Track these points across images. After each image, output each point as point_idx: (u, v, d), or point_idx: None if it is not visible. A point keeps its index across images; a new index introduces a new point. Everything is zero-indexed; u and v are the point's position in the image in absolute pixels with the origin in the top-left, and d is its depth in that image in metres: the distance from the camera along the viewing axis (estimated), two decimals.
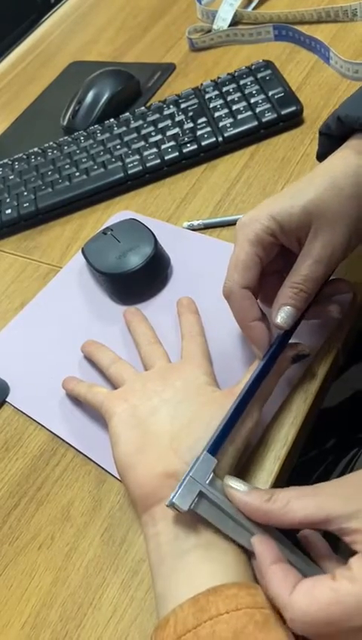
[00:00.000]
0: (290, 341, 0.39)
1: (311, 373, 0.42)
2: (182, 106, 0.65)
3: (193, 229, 0.55)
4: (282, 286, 0.38)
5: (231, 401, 0.37)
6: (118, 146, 0.64)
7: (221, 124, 0.60)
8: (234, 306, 0.39)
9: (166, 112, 0.65)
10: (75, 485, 0.42)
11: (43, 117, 0.79)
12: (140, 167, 0.61)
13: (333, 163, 0.38)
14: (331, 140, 0.42)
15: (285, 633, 0.28)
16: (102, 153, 0.64)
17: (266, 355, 0.38)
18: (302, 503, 0.30)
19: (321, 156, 0.43)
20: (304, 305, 0.38)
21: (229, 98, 0.63)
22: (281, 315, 0.38)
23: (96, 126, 0.67)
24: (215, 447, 0.34)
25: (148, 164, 0.61)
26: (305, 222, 0.36)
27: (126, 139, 0.64)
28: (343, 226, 0.36)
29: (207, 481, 0.33)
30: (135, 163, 0.61)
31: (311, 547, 0.33)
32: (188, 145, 0.60)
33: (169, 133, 0.62)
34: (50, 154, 0.67)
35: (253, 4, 0.76)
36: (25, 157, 0.68)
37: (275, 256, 0.39)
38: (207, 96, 0.64)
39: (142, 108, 0.67)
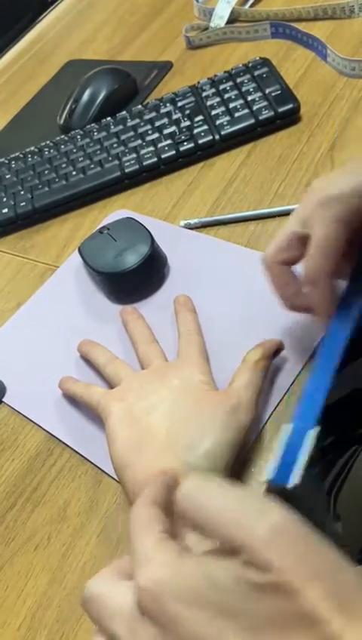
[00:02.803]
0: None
1: (309, 371, 0.42)
2: (179, 104, 0.64)
3: (190, 227, 0.54)
4: None
5: (228, 400, 0.37)
6: (115, 145, 0.63)
7: (218, 122, 0.60)
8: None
9: (163, 111, 0.64)
10: (72, 485, 0.42)
11: (39, 116, 0.78)
12: (137, 166, 0.60)
13: None
14: None
15: None
16: (98, 152, 0.63)
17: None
18: None
19: None
20: None
21: (226, 96, 0.62)
22: None
23: (92, 125, 0.67)
24: (309, 415, 0.32)
25: (144, 163, 0.60)
26: None
27: (123, 137, 0.64)
28: None
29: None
30: (132, 162, 0.61)
31: None
32: (185, 143, 0.60)
33: (166, 131, 0.62)
34: (46, 153, 0.66)
35: (250, 2, 0.76)
36: (21, 156, 0.68)
37: None
38: (203, 94, 0.64)
39: (139, 106, 0.67)
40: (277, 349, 0.42)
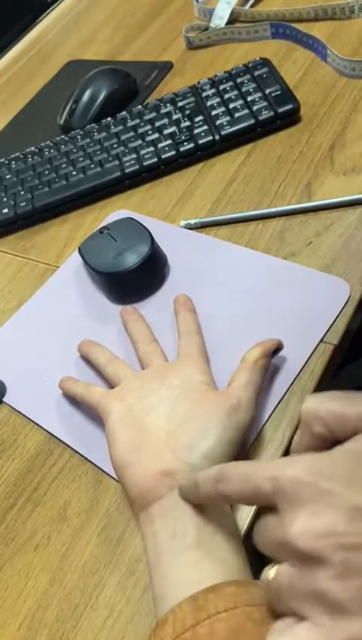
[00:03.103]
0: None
1: (308, 372, 0.42)
2: (179, 104, 0.64)
3: (190, 227, 0.54)
4: None
5: (228, 400, 0.37)
6: (115, 145, 0.63)
7: (218, 122, 0.60)
8: None
9: (163, 111, 0.64)
10: (72, 485, 0.42)
11: (40, 116, 0.78)
12: (137, 166, 0.60)
13: None
14: None
15: None
16: (99, 152, 0.63)
17: None
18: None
19: None
20: None
21: (226, 96, 0.62)
22: None
23: (93, 125, 0.67)
24: None
25: (145, 163, 0.60)
26: None
27: (123, 137, 0.64)
28: None
29: None
30: (132, 162, 0.61)
31: None
32: (185, 143, 0.60)
33: (166, 131, 0.62)
34: (47, 153, 0.67)
35: (250, 2, 0.76)
36: (22, 156, 0.68)
37: None
38: (204, 94, 0.64)
39: (139, 106, 0.67)
40: (276, 349, 0.42)
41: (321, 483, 0.25)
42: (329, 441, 0.30)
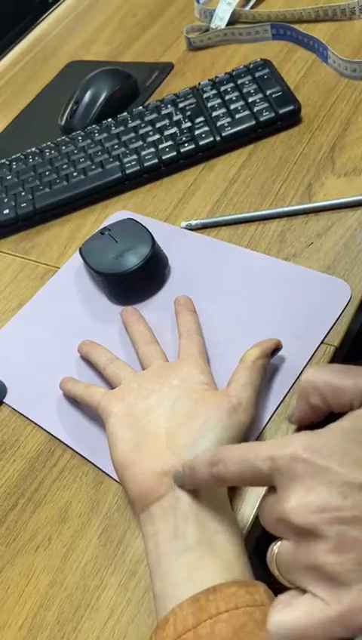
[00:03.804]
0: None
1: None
2: (180, 105, 0.64)
3: (191, 228, 0.55)
4: None
5: (228, 400, 0.37)
6: (116, 146, 0.63)
7: (219, 123, 0.60)
8: None
9: (164, 112, 0.64)
10: (73, 486, 0.42)
11: (40, 117, 0.78)
12: (138, 167, 0.60)
13: None
14: None
15: None
16: (99, 153, 0.64)
17: None
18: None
19: None
20: None
21: (227, 97, 0.62)
22: None
23: (93, 126, 0.67)
24: None
25: (145, 164, 0.60)
26: None
27: (124, 138, 0.64)
28: None
29: None
30: (133, 163, 0.61)
31: None
32: (186, 144, 0.60)
33: (167, 132, 0.62)
34: (47, 154, 0.67)
35: (251, 3, 0.76)
36: (22, 157, 0.68)
37: None
38: (204, 95, 0.64)
39: (140, 107, 0.67)
40: (276, 348, 0.42)
41: (317, 460, 0.26)
42: (324, 412, 0.32)
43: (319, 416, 0.32)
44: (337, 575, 0.24)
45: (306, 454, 0.26)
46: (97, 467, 0.42)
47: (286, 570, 0.26)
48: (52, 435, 0.45)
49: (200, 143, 0.60)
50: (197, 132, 0.61)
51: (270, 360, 0.41)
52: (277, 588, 0.28)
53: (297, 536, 0.26)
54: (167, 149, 0.61)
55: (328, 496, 0.25)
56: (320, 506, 0.25)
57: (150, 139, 0.62)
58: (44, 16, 0.98)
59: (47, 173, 0.64)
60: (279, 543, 0.27)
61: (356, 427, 0.27)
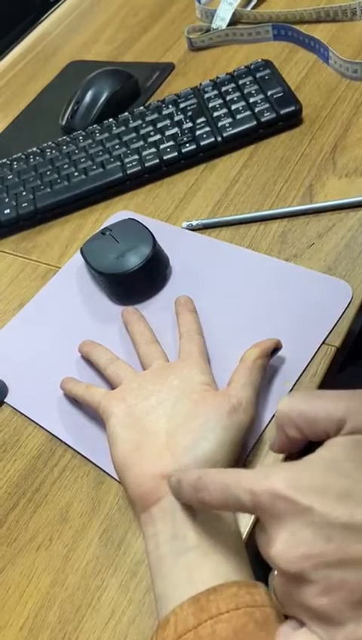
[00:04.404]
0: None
1: (310, 374, 0.42)
2: (181, 105, 0.64)
3: (192, 229, 0.55)
4: None
5: (228, 400, 0.37)
6: (117, 146, 0.63)
7: (220, 123, 0.60)
8: None
9: (165, 112, 0.64)
10: (74, 486, 0.42)
11: (41, 117, 0.78)
12: (139, 167, 0.60)
13: None
14: None
15: None
16: (100, 153, 0.64)
17: None
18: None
19: None
20: None
21: (228, 98, 0.62)
22: None
23: (94, 126, 0.67)
24: None
25: (146, 164, 0.60)
26: None
27: (125, 139, 0.64)
28: None
29: None
30: (134, 163, 0.61)
31: None
32: (187, 145, 0.60)
33: (168, 133, 0.62)
34: (48, 154, 0.67)
35: (252, 4, 0.76)
36: (23, 157, 0.68)
37: None
38: (205, 95, 0.64)
39: (141, 108, 0.67)
40: (275, 348, 0.42)
41: (299, 499, 0.25)
42: (302, 442, 0.32)
43: (298, 446, 0.33)
44: (328, 615, 0.25)
45: (286, 491, 0.26)
46: (98, 467, 0.42)
47: (284, 604, 0.27)
48: (53, 435, 0.45)
49: (202, 143, 0.60)
50: (198, 132, 0.61)
51: (270, 360, 0.42)
52: None
53: (286, 579, 0.26)
54: (168, 150, 0.61)
55: (312, 542, 0.25)
56: (304, 553, 0.25)
57: (151, 139, 0.62)
58: (46, 15, 0.98)
59: (48, 173, 0.64)
60: (276, 574, 0.27)
61: (334, 457, 0.28)
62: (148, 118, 0.65)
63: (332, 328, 0.44)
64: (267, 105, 0.60)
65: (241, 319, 0.46)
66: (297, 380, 0.42)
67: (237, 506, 0.28)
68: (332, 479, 0.26)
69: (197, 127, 0.61)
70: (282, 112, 0.59)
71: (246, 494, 0.27)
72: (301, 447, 0.33)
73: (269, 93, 0.61)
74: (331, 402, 0.30)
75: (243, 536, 0.36)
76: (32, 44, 0.95)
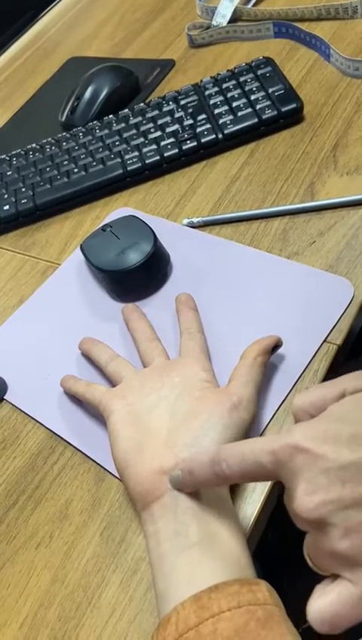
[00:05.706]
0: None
1: (311, 372, 0.42)
2: (182, 102, 0.64)
3: (193, 226, 0.54)
4: None
5: (229, 398, 0.37)
6: (117, 143, 0.63)
7: (221, 121, 0.60)
8: None
9: (165, 109, 0.64)
10: (74, 483, 0.42)
11: (41, 113, 0.78)
12: (139, 164, 0.60)
13: None
14: None
15: (288, 629, 0.28)
16: (101, 149, 0.63)
17: None
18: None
19: None
20: None
21: (229, 95, 0.62)
22: None
23: (94, 122, 0.67)
24: None
25: (147, 161, 0.60)
26: None
27: (125, 135, 0.64)
28: None
29: None
30: (134, 159, 0.61)
31: None
32: (188, 142, 0.60)
33: (168, 129, 0.62)
34: (48, 150, 0.66)
35: (253, 1, 0.76)
36: (23, 153, 0.68)
37: None
38: (206, 92, 0.64)
39: (141, 104, 0.66)
40: (276, 345, 0.42)
41: (316, 448, 0.27)
42: None
43: None
44: (354, 557, 0.26)
45: (303, 443, 0.27)
46: (98, 464, 0.42)
47: (316, 560, 0.28)
48: (53, 432, 0.45)
49: (202, 140, 0.60)
50: (199, 129, 0.60)
51: (270, 357, 0.41)
52: (283, 584, 0.29)
53: (312, 529, 0.27)
54: (169, 146, 0.60)
55: (327, 487, 0.26)
56: (321, 500, 0.26)
57: (151, 136, 0.62)
58: (46, 11, 0.98)
59: (47, 169, 0.64)
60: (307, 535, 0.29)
61: (343, 409, 0.29)
62: (148, 115, 0.64)
63: (334, 326, 0.43)
64: (268, 102, 0.59)
65: (242, 316, 0.46)
66: (298, 378, 0.42)
67: (258, 470, 0.29)
68: (341, 427, 0.28)
69: (198, 124, 0.61)
70: (283, 109, 0.59)
71: (267, 455, 0.28)
72: None
73: (270, 90, 0.61)
74: (330, 383, 0.32)
75: (246, 532, 0.36)
76: (31, 39, 0.95)
